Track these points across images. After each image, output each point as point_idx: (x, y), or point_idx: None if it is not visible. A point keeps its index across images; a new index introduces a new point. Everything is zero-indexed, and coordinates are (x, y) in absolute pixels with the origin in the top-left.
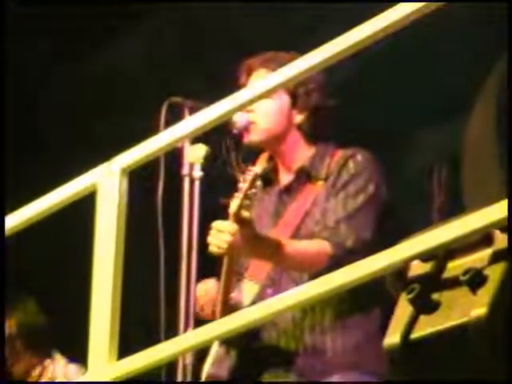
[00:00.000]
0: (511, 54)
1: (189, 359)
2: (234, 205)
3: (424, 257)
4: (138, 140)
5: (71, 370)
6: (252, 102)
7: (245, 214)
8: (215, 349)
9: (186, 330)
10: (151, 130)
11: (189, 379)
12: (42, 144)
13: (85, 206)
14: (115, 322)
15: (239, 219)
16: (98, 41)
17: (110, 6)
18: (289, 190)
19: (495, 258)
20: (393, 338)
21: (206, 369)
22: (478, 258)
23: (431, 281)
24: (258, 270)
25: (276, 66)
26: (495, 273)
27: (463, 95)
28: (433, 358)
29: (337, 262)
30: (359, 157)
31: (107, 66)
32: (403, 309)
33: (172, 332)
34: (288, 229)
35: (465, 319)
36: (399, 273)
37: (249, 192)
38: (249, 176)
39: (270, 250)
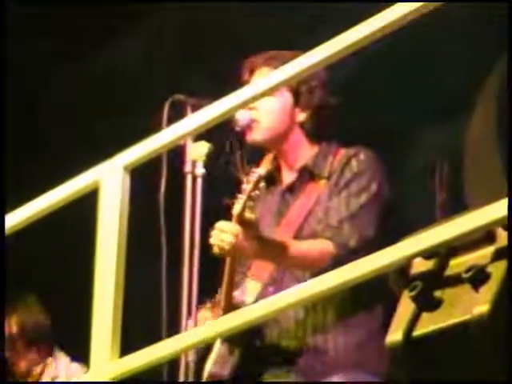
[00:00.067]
0: (511, 54)
1: (191, 357)
2: (237, 206)
3: (426, 254)
4: (138, 140)
5: (74, 369)
6: (254, 99)
7: (248, 215)
8: (217, 347)
9: (187, 327)
10: (151, 130)
11: (191, 377)
12: (41, 144)
13: (87, 203)
14: (117, 319)
15: (242, 220)
16: (98, 41)
17: (110, 6)
18: (292, 189)
19: (498, 256)
20: (395, 335)
21: (208, 368)
22: (480, 256)
23: (434, 278)
24: (261, 269)
25: (279, 65)
26: (498, 270)
27: (464, 94)
28: (435, 356)
29: (340, 261)
30: (362, 155)
31: (107, 65)
32: (405, 306)
33: (174, 330)
34: (291, 228)
35: (467, 317)
36: (402, 270)
37: (252, 193)
38: (253, 177)
39: (274, 251)
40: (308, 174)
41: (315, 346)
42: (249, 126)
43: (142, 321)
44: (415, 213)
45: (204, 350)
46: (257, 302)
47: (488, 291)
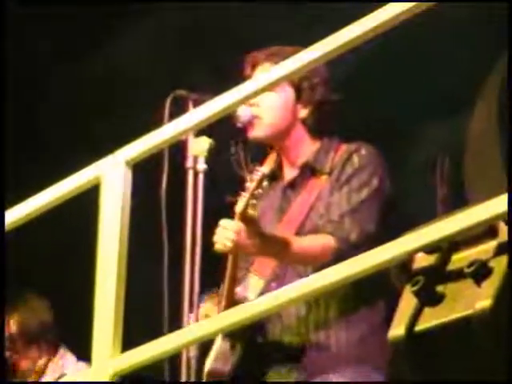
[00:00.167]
0: (511, 54)
1: (193, 352)
2: (240, 204)
3: (428, 249)
4: (139, 135)
5: (81, 368)
6: (256, 94)
7: (251, 212)
8: (219, 344)
9: (189, 323)
10: (153, 126)
11: (193, 373)
12: (41, 144)
13: (88, 198)
14: (119, 314)
15: (245, 218)
16: (98, 41)
17: (110, 6)
18: (293, 185)
19: (500, 250)
20: (397, 330)
21: (209, 364)
22: (482, 250)
23: (436, 273)
24: (264, 265)
25: (280, 60)
26: (500, 265)
27: (465, 90)
28: (437, 350)
29: (341, 255)
30: (363, 151)
31: (107, 65)
32: (408, 301)
33: (175, 326)
34: (293, 224)
35: (469, 311)
36: (404, 265)
37: (255, 192)
38: (256, 176)
39: (276, 247)
40: (309, 170)
41: (318, 341)
42: (250, 123)
43: (144, 316)
44: (416, 208)
45: (205, 346)
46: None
47: (490, 286)
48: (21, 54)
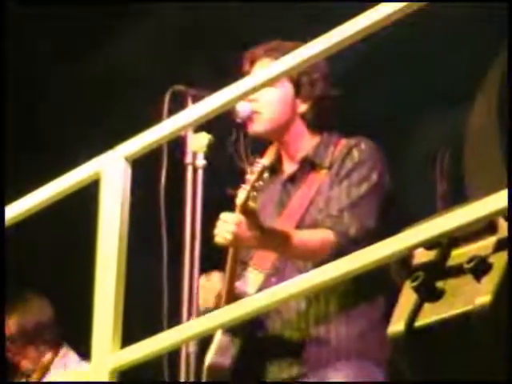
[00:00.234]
0: (511, 54)
1: (192, 348)
2: (241, 196)
3: (428, 245)
4: (139, 131)
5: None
6: (255, 90)
7: (252, 205)
8: (219, 337)
9: (189, 319)
10: (152, 122)
11: (192, 368)
12: (41, 144)
13: (87, 194)
14: (119, 310)
15: (246, 210)
16: (98, 41)
17: (110, 6)
18: (293, 180)
19: (500, 246)
20: (397, 325)
21: (210, 358)
22: (482, 246)
23: (435, 269)
24: (263, 259)
25: (280, 55)
26: (500, 261)
27: (464, 85)
28: (437, 346)
29: (341, 250)
30: (363, 145)
31: (107, 65)
32: (407, 297)
33: (175, 321)
34: (292, 218)
35: (469, 307)
36: (403, 261)
37: (256, 184)
38: (257, 168)
39: (276, 240)
40: (309, 165)
41: (318, 336)
42: (250, 118)
43: (143, 312)
44: (416, 203)
45: (204, 342)
46: (259, 292)
47: (490, 282)
48: (21, 53)
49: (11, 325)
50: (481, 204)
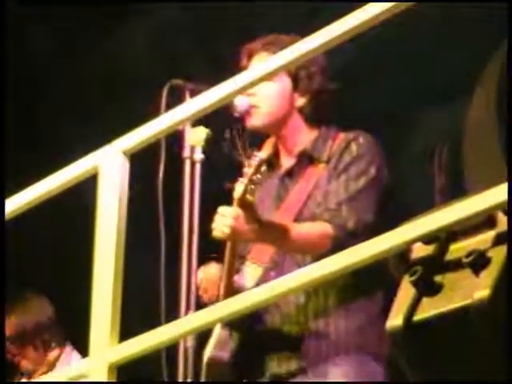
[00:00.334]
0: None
1: (190, 342)
2: (238, 189)
3: (426, 239)
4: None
5: None
6: (253, 84)
7: (249, 198)
8: (217, 331)
9: (186, 313)
10: (150, 116)
11: (190, 363)
12: (41, 144)
13: (86, 188)
14: (117, 304)
15: (244, 204)
16: (98, 41)
17: (110, 6)
18: (291, 174)
19: (498, 240)
20: (395, 320)
21: (209, 351)
22: (481, 240)
23: (434, 263)
24: (261, 253)
25: (277, 49)
26: (498, 255)
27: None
28: (435, 340)
29: (339, 243)
30: (361, 139)
31: (107, 65)
32: (406, 291)
33: (173, 315)
34: (290, 212)
35: (467, 301)
36: (402, 255)
37: (254, 177)
38: (254, 161)
39: (274, 234)
40: (307, 159)
41: (317, 329)
42: (248, 112)
43: (141, 306)
44: (414, 197)
45: (202, 336)
46: (257, 285)
47: (488, 276)
48: (21, 53)
49: (11, 325)
50: (480, 198)
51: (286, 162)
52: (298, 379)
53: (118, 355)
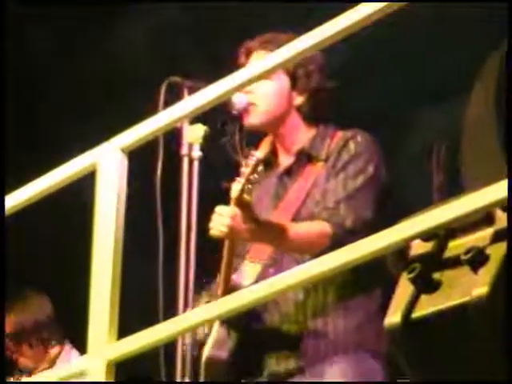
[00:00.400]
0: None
1: (188, 340)
2: (235, 189)
3: (425, 236)
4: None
5: None
6: (251, 82)
7: (246, 198)
8: (216, 330)
9: (184, 311)
10: (148, 113)
11: (188, 361)
12: (41, 144)
13: (84, 185)
14: (115, 302)
15: (241, 203)
16: (98, 40)
17: (110, 6)
18: (289, 172)
19: (497, 237)
20: (394, 317)
21: (207, 350)
22: (479, 237)
23: (432, 260)
24: (260, 251)
25: (275, 48)
26: (497, 252)
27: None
28: (434, 337)
29: (337, 241)
30: (359, 138)
31: (107, 65)
32: (404, 288)
33: (171, 313)
34: (289, 211)
35: (466, 298)
36: (400, 252)
37: (251, 177)
38: (251, 161)
39: (272, 233)
40: (305, 157)
41: (315, 328)
42: (246, 110)
43: (140, 304)
44: (412, 195)
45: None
46: (256, 283)
47: (487, 273)
48: (21, 53)
49: (10, 323)
50: (479, 195)
51: (285, 160)
52: (296, 378)
53: (116, 352)
